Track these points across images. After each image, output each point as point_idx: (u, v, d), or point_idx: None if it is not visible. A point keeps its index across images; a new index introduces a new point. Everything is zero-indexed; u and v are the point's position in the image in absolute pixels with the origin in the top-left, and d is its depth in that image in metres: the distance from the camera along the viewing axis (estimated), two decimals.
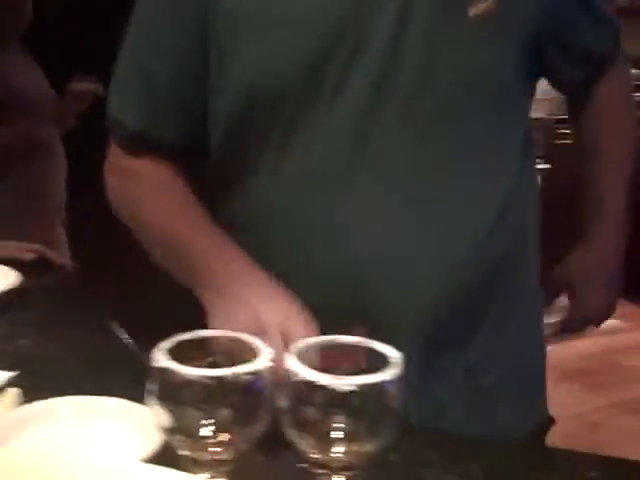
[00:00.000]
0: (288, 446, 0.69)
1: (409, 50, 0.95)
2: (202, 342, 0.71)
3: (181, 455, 0.69)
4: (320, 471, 0.70)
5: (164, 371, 0.66)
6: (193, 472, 0.69)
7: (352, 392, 0.65)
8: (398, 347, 0.69)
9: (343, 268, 0.99)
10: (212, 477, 0.69)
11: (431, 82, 0.96)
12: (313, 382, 0.65)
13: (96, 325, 1.26)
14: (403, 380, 0.66)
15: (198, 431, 0.67)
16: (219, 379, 0.65)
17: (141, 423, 0.84)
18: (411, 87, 0.96)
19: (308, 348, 0.70)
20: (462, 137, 1.00)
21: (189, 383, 0.65)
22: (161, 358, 0.67)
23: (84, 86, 2.54)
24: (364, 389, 0.65)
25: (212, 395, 0.66)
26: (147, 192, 1.00)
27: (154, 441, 0.79)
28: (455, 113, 0.98)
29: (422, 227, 1.00)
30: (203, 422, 0.67)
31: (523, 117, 1.11)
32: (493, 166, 1.04)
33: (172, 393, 0.66)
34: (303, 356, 0.68)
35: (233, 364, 0.67)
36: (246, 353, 0.69)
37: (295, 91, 0.96)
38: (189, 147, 1.02)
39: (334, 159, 0.98)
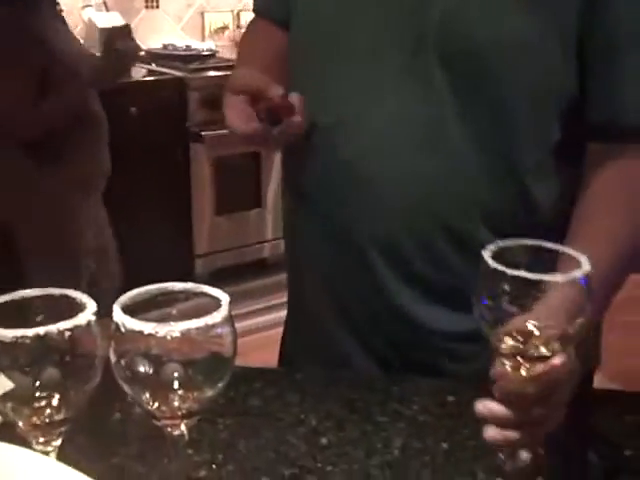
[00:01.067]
0: (125, 398, 0.68)
1: None
2: (24, 302, 0.68)
3: (16, 423, 0.67)
4: (163, 422, 0.69)
5: None
6: (29, 438, 0.67)
7: (180, 338, 0.63)
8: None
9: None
10: (47, 440, 0.67)
11: None
12: (141, 331, 0.63)
13: None
14: (231, 323, 0.65)
15: (28, 395, 0.65)
16: (41, 338, 0.63)
17: None
18: None
19: (137, 297, 0.68)
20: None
21: (8, 346, 0.62)
22: None
23: (126, 44, 2.45)
24: (192, 334, 0.63)
25: (36, 356, 0.64)
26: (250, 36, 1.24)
27: None
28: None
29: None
30: (31, 385, 0.65)
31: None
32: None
33: None
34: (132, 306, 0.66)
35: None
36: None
37: None
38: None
39: None
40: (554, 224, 0.97)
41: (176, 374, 0.66)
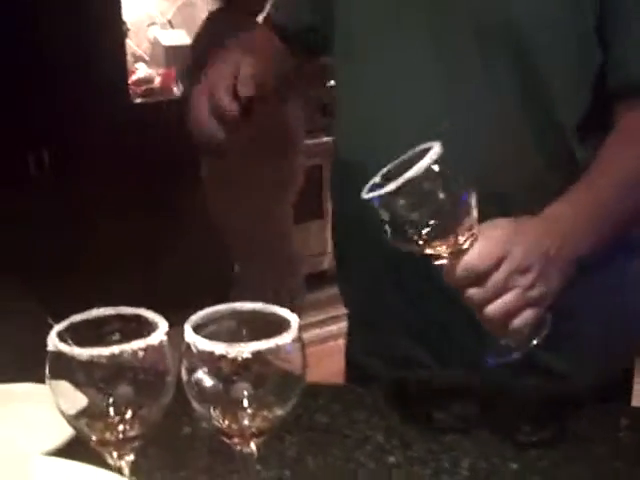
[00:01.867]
0: (196, 417, 0.69)
1: None
2: (99, 321, 0.70)
3: (90, 438, 0.68)
4: (233, 440, 0.69)
5: (57, 355, 0.65)
6: (103, 453, 0.69)
7: (250, 359, 0.64)
8: None
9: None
10: (121, 455, 0.69)
11: None
12: (212, 352, 0.64)
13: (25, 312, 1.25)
14: (301, 343, 0.66)
15: (102, 411, 0.67)
16: (116, 356, 0.64)
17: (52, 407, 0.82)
18: None
19: (206, 318, 0.69)
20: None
21: (84, 364, 0.64)
22: (53, 341, 0.65)
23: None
24: (262, 354, 0.64)
25: (111, 373, 0.65)
26: None
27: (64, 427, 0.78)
28: None
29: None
30: (105, 402, 0.66)
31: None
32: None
33: (68, 376, 0.65)
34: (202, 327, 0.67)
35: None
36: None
37: None
38: None
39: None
40: None
41: (246, 393, 0.67)
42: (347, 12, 1.09)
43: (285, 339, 0.65)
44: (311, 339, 3.02)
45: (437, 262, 0.84)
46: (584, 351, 1.07)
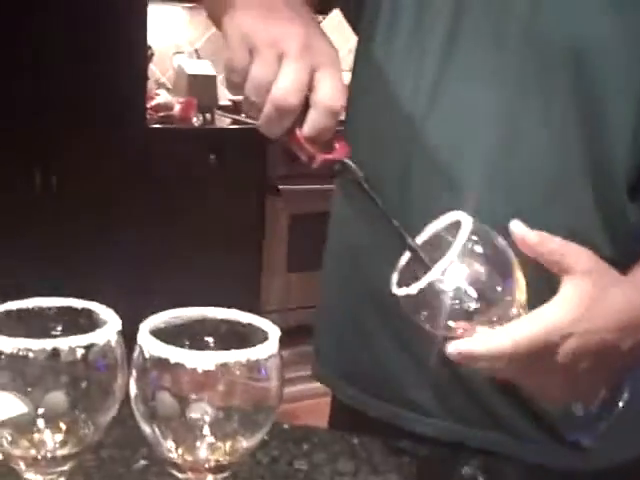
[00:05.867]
0: (143, 442, 0.56)
1: None
2: (40, 312, 0.57)
3: (11, 455, 0.56)
4: (186, 475, 0.57)
5: None
6: (24, 475, 0.56)
7: (215, 372, 0.52)
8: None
9: None
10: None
11: None
12: (167, 360, 0.52)
13: None
14: (279, 363, 0.54)
15: (28, 422, 0.54)
16: (49, 353, 0.52)
17: None
18: None
19: (168, 322, 0.57)
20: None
21: (8, 359, 0.52)
22: None
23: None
24: (229, 370, 0.52)
25: (42, 375, 0.53)
26: None
27: None
28: None
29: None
30: (33, 410, 0.54)
31: None
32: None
33: None
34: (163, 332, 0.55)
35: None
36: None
37: None
38: None
39: None
40: None
41: (206, 417, 0.54)
42: None
43: (260, 353, 0.52)
44: (317, 391, 2.86)
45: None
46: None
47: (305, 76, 0.70)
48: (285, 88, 0.69)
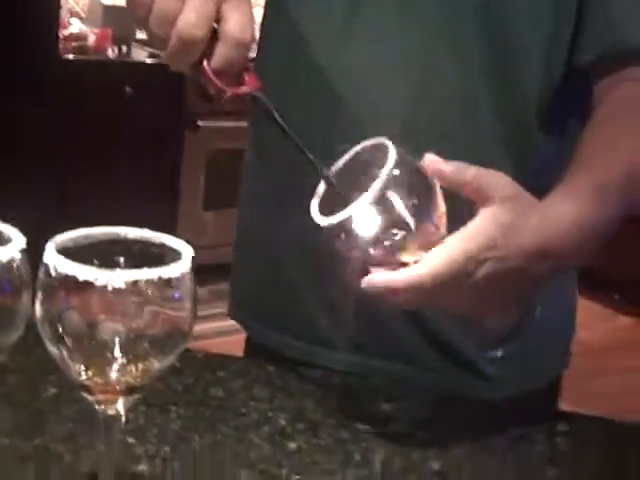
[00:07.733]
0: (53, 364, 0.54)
1: None
2: None
3: None
4: (96, 398, 0.55)
5: None
6: None
7: (126, 291, 0.50)
8: None
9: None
10: None
11: None
12: (75, 277, 0.50)
13: None
14: (192, 284, 0.52)
15: None
16: None
17: None
18: None
19: (77, 241, 0.55)
20: None
21: None
22: None
23: None
24: (141, 289, 0.50)
25: None
26: None
27: None
28: None
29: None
30: None
31: None
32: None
33: None
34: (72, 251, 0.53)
35: None
36: None
37: None
38: None
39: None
40: None
41: (117, 338, 0.52)
42: None
43: (172, 271, 0.51)
44: (230, 329, 2.85)
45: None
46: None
47: (212, 7, 0.68)
48: (191, 20, 0.68)
